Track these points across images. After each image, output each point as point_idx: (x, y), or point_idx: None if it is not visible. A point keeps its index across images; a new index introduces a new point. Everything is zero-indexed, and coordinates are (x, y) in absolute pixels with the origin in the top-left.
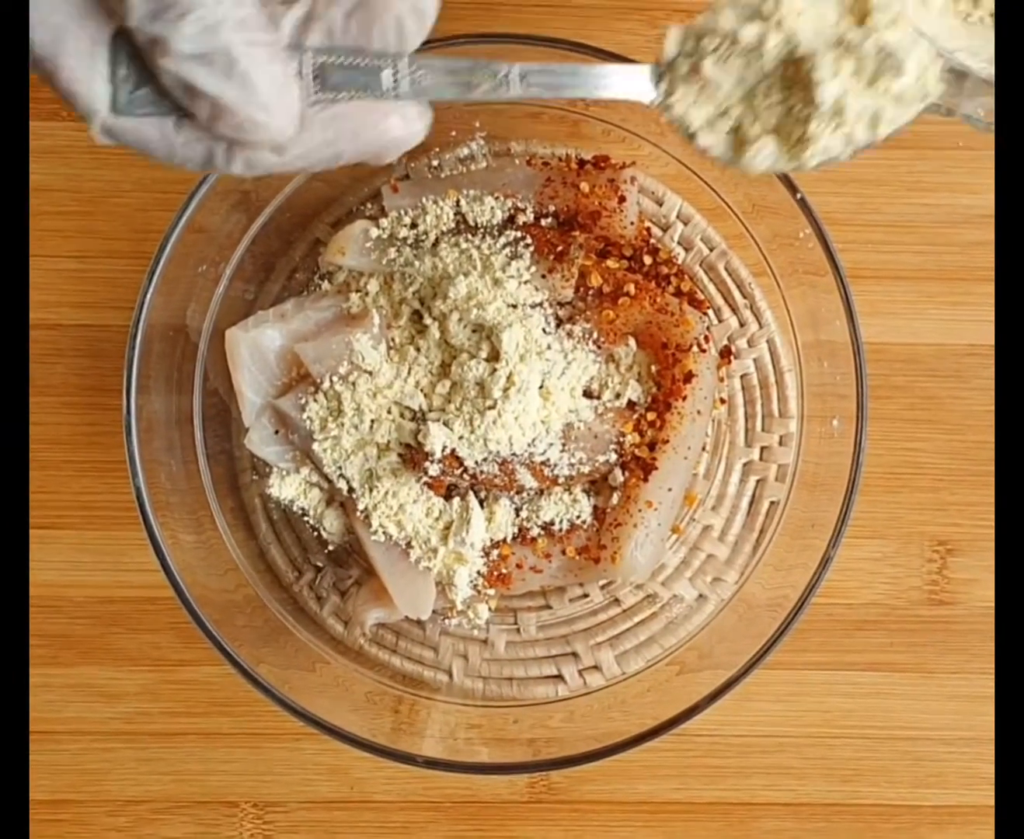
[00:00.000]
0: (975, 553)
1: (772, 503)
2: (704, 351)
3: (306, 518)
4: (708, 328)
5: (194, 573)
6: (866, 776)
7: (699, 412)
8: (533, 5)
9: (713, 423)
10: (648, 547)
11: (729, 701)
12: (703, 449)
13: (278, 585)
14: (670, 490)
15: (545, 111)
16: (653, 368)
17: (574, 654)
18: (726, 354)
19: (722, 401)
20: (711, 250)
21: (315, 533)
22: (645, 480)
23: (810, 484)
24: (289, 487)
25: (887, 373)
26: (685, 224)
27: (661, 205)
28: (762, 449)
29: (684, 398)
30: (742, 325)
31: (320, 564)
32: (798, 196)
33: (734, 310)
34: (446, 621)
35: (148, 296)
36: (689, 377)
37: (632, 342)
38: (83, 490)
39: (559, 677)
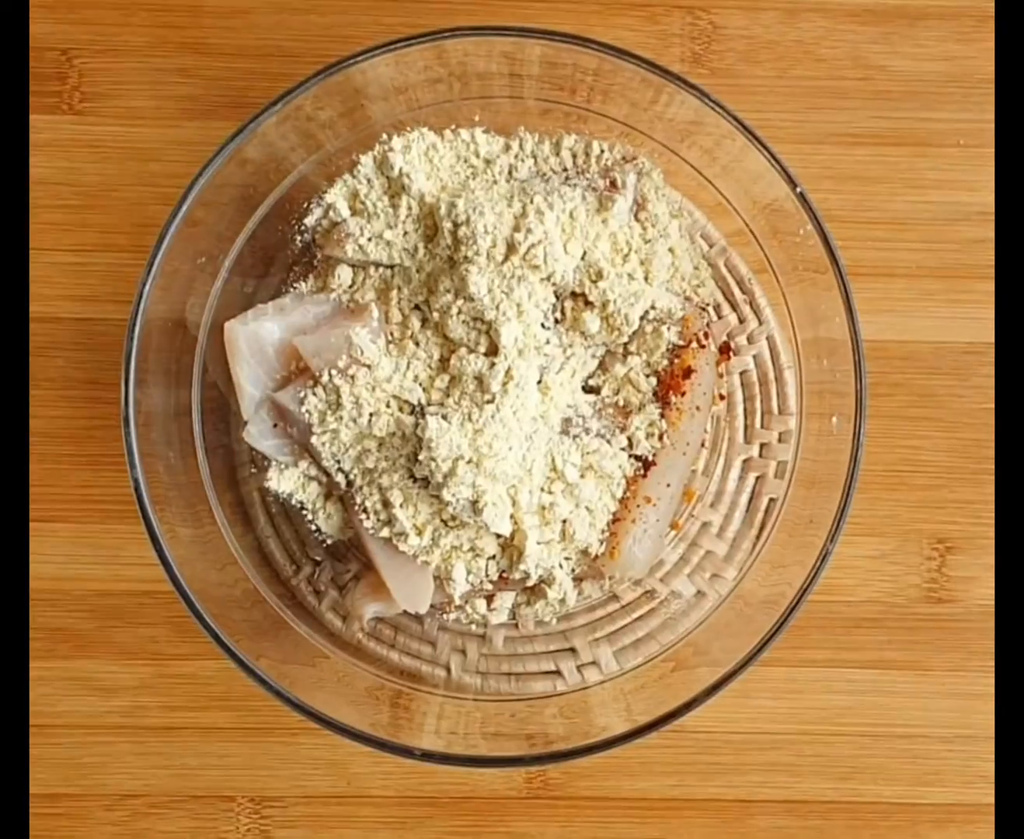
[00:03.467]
0: (974, 551)
1: (771, 500)
2: (703, 347)
3: (304, 512)
4: (707, 324)
5: (192, 567)
6: (864, 773)
7: (698, 408)
8: (530, 0)
9: (712, 419)
10: (646, 543)
11: (726, 698)
12: (702, 445)
13: (276, 579)
14: (668, 486)
15: (558, 107)
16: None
17: (572, 650)
18: (725, 350)
19: (721, 397)
20: (711, 246)
21: (313, 527)
22: (644, 475)
23: (809, 481)
24: (288, 480)
25: (886, 371)
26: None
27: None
28: (761, 446)
29: (683, 394)
30: (742, 322)
31: (318, 558)
32: (798, 191)
33: (733, 307)
34: (444, 616)
35: (146, 289)
36: (688, 373)
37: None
38: (81, 483)
39: (557, 673)
